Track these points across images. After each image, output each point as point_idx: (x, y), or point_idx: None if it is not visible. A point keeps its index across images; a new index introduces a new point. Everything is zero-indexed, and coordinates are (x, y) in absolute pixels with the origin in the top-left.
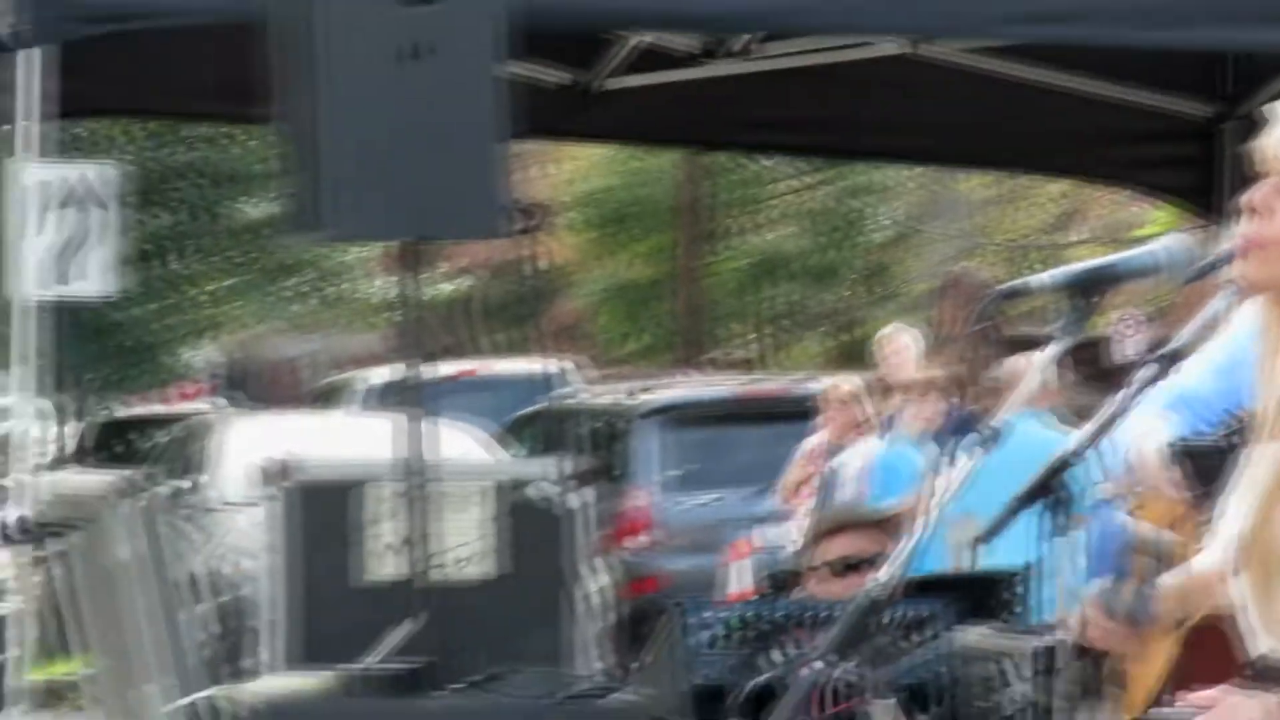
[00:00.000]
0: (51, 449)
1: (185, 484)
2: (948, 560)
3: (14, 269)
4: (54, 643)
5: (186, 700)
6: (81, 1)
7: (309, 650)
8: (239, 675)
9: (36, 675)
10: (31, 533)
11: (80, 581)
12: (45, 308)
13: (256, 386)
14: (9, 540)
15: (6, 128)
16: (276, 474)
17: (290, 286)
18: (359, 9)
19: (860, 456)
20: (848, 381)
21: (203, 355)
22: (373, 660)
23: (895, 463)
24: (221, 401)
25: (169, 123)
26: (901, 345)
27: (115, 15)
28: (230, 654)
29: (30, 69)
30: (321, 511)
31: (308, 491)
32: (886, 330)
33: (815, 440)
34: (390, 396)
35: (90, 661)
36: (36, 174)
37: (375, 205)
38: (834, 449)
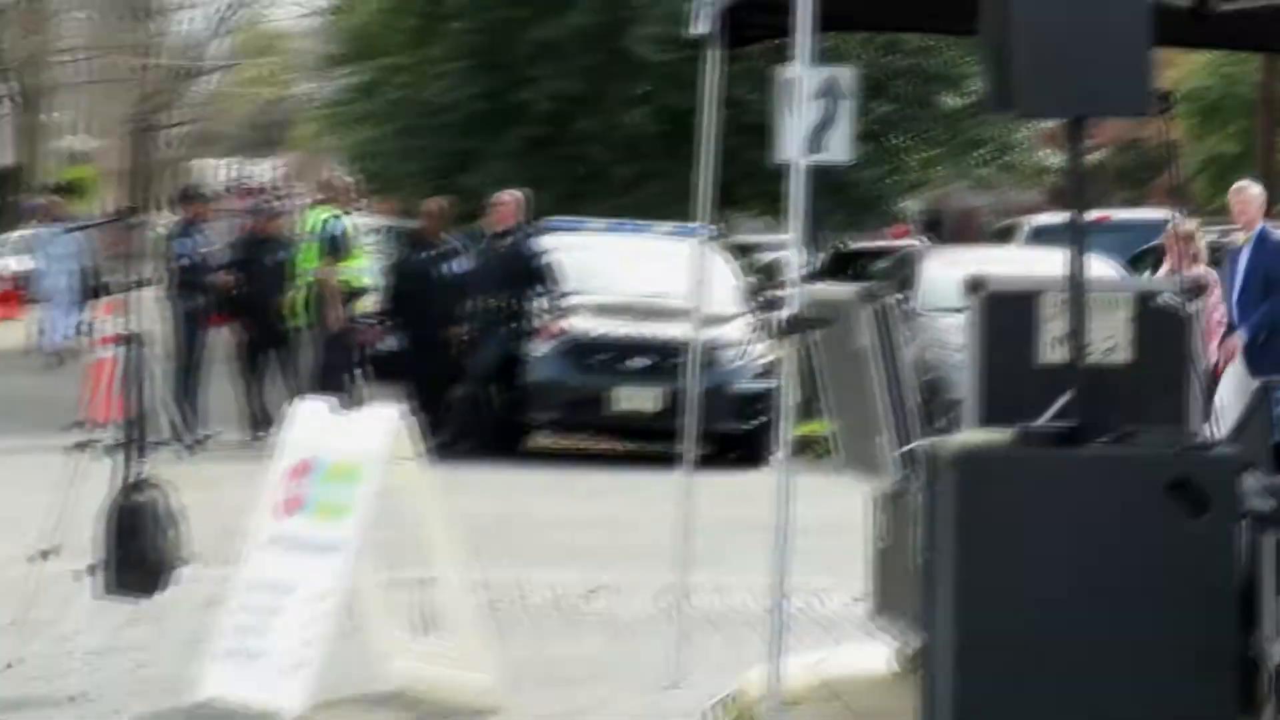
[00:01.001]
0: (806, 270)
1: (900, 296)
2: None
3: (784, 142)
4: (809, 407)
5: (905, 448)
6: None
7: (993, 414)
8: (942, 430)
9: (797, 431)
10: (797, 327)
11: (829, 363)
12: (805, 170)
13: (950, 228)
14: (781, 333)
15: (777, 41)
16: (974, 287)
17: (976, 156)
18: None
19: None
20: (1187, 222)
21: (911, 205)
22: (1041, 421)
23: None
24: (924, 239)
25: (892, 35)
26: (1248, 196)
27: None
28: (935, 416)
29: None
30: (1006, 314)
31: (995, 300)
32: (1240, 184)
33: (1162, 269)
34: (1047, 236)
35: (835, 421)
36: (801, 74)
37: (1052, 91)
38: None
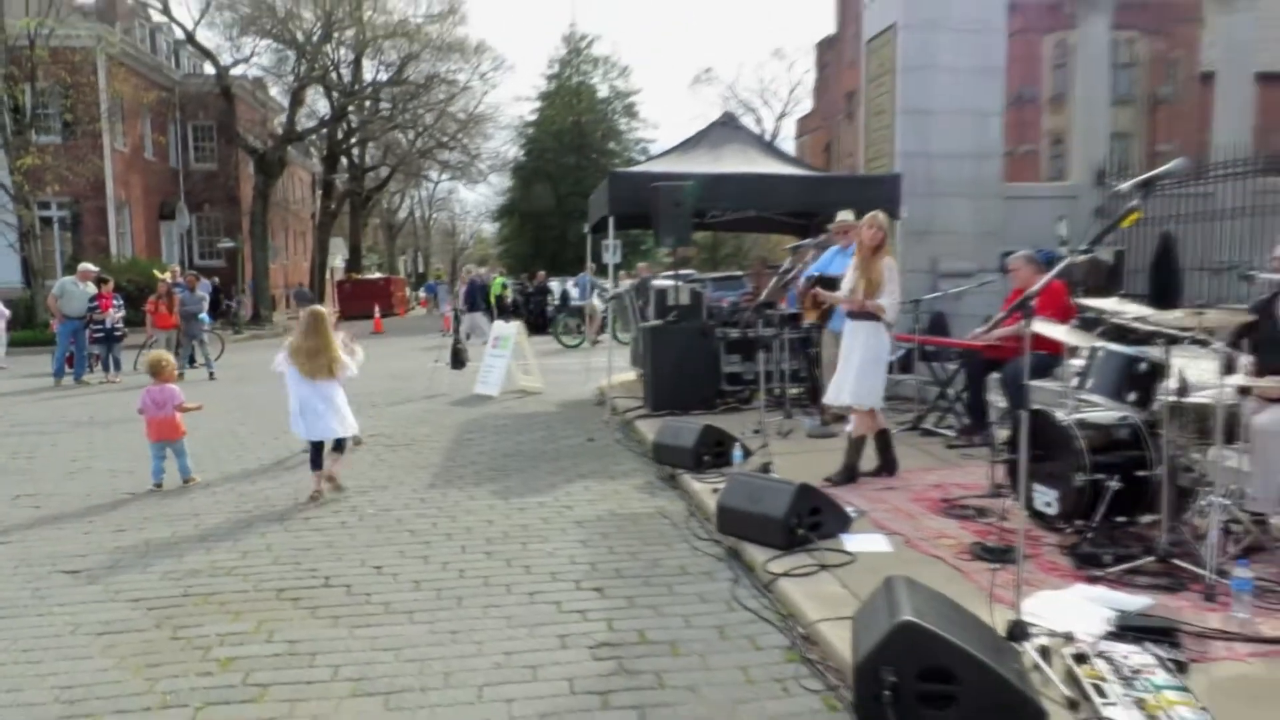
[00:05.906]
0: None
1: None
2: None
3: (605, 258)
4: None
5: (642, 324)
6: None
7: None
8: (647, 320)
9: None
10: (614, 299)
11: (621, 305)
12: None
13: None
14: (610, 299)
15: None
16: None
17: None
18: None
19: None
20: None
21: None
22: (665, 320)
23: None
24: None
25: None
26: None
27: None
28: (644, 319)
29: None
30: (647, 291)
31: (647, 286)
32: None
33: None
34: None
35: (619, 316)
36: (610, 241)
37: (662, 237)
38: None
